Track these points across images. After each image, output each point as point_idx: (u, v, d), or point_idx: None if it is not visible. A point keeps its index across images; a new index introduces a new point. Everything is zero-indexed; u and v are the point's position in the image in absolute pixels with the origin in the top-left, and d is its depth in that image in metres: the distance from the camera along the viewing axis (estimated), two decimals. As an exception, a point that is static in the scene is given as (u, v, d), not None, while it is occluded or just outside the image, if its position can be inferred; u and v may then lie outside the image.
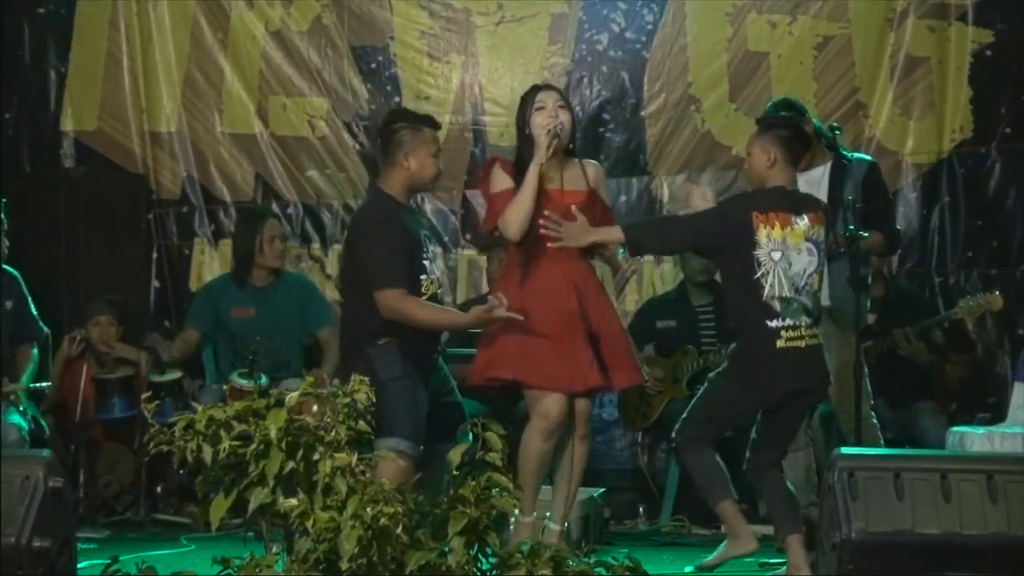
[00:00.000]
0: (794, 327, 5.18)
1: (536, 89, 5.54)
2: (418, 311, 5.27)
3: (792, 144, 5.32)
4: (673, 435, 5.44)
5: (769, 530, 6.59)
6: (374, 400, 4.27)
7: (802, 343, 5.19)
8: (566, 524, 5.54)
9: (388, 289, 5.24)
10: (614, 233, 5.34)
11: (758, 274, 5.17)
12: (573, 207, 5.36)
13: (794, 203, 5.26)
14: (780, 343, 5.17)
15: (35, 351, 6.50)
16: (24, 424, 6.27)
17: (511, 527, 5.26)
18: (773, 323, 5.17)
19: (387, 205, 5.40)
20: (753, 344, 5.22)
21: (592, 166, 5.58)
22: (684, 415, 5.40)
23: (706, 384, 5.46)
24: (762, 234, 5.18)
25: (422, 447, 5.20)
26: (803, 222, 5.22)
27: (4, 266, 6.48)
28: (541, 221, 5.29)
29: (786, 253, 5.18)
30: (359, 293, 5.32)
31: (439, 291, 5.52)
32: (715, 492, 5.35)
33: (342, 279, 5.52)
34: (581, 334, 5.36)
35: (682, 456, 5.43)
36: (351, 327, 5.41)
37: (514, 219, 5.37)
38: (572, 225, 5.32)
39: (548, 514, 5.48)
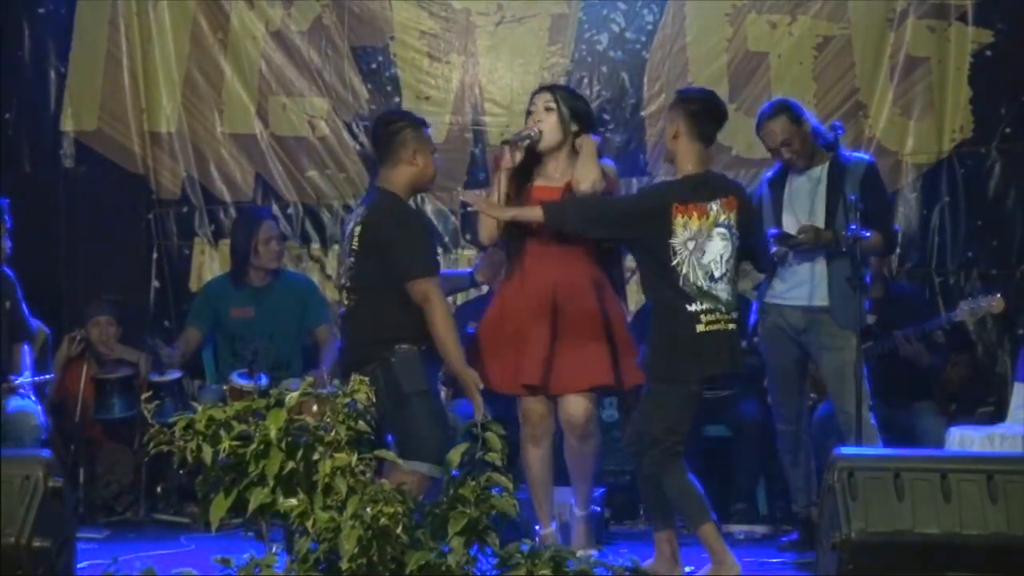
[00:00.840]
0: (711, 311, 5.13)
1: (537, 91, 5.61)
2: (444, 311, 5.23)
3: (700, 119, 5.21)
4: (643, 461, 5.18)
5: (769, 530, 6.61)
6: (374, 400, 4.28)
7: (722, 326, 5.15)
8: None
9: (428, 277, 5.21)
10: (533, 211, 5.32)
11: (674, 262, 5.13)
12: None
13: (709, 190, 5.20)
14: (700, 327, 5.13)
15: (26, 347, 6.48)
16: (40, 410, 6.27)
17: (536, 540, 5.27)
18: (692, 307, 5.12)
19: (401, 202, 5.40)
20: (673, 330, 5.17)
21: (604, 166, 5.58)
22: (646, 438, 5.17)
23: (643, 401, 5.32)
24: (679, 223, 5.14)
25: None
26: (715, 207, 5.17)
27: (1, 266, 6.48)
28: (464, 197, 5.38)
29: (700, 242, 5.14)
30: (379, 293, 5.27)
31: None
32: (693, 515, 5.17)
33: (357, 279, 5.34)
34: (543, 332, 5.37)
35: (657, 479, 5.20)
36: (365, 328, 5.30)
37: (481, 221, 5.48)
38: (486, 201, 5.43)
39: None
